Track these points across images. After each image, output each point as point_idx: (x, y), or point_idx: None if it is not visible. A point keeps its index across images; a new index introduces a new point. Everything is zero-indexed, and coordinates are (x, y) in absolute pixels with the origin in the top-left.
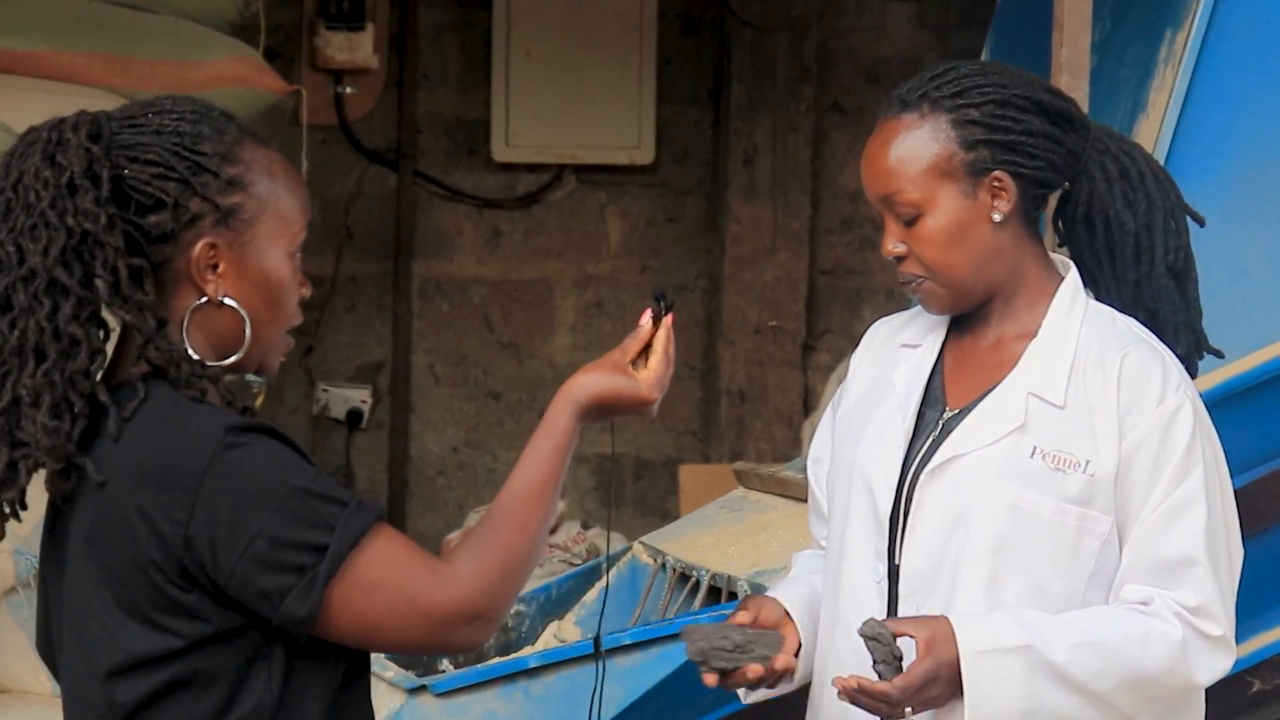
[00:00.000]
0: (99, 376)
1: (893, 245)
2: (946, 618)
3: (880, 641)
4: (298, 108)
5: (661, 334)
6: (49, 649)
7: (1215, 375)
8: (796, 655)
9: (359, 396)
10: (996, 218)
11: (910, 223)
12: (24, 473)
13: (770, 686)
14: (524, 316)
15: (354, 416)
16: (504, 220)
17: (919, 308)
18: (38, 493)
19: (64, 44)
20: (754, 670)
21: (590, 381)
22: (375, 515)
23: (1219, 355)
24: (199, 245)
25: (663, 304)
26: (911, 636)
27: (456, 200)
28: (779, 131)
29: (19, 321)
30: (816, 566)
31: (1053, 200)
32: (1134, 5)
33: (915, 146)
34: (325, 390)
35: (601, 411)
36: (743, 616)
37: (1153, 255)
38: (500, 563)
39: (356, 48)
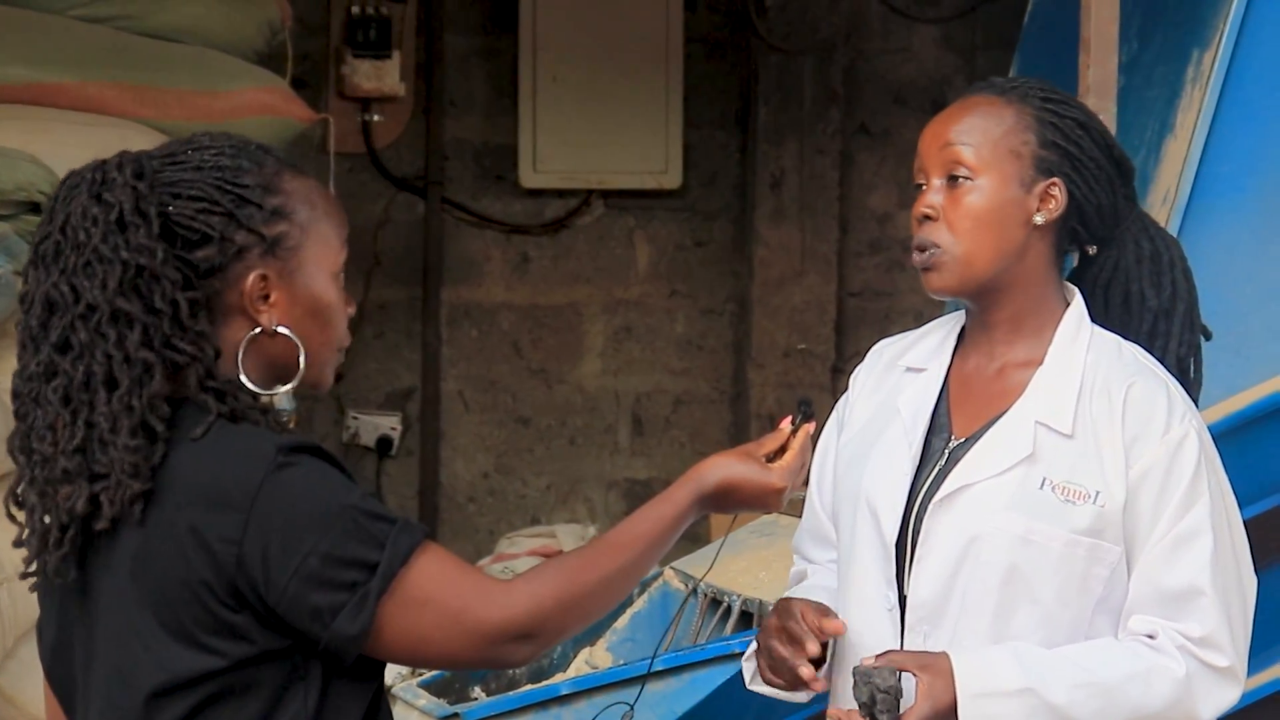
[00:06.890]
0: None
1: (930, 200)
2: (947, 655)
3: (889, 694)
4: (325, 136)
5: (800, 435)
6: (58, 676)
7: (1243, 397)
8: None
9: (389, 423)
10: (1038, 220)
11: (955, 185)
12: (107, 504)
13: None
14: (553, 342)
15: (384, 444)
16: (532, 246)
17: (924, 329)
18: None
19: (92, 75)
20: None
21: (721, 465)
22: (423, 533)
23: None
24: (250, 278)
25: (803, 411)
26: (913, 674)
27: (484, 226)
28: (806, 155)
29: (83, 358)
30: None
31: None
32: (1161, 26)
33: (996, 119)
34: (355, 418)
35: (727, 495)
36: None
37: (1166, 342)
38: (560, 589)
39: (383, 75)
